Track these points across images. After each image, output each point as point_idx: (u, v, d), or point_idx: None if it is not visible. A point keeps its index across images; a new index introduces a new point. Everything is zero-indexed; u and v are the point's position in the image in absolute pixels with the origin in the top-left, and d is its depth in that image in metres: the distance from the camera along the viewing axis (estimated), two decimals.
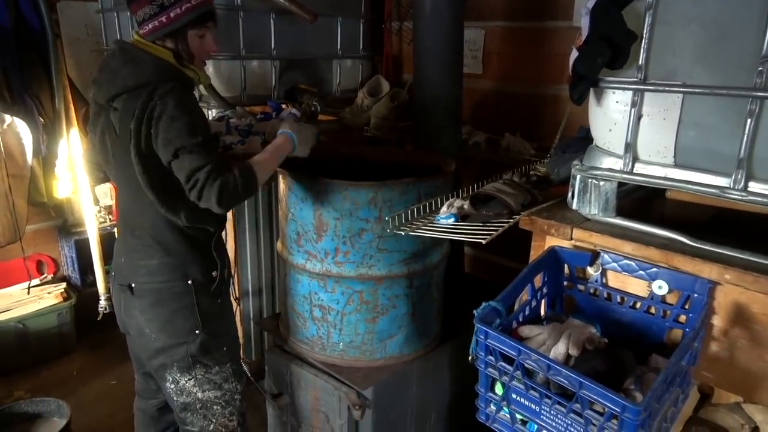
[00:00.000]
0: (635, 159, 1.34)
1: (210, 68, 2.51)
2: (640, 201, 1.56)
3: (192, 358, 1.70)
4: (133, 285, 1.68)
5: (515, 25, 2.73)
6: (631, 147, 1.33)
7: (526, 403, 1.18)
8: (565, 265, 1.44)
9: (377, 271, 1.81)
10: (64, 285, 3.25)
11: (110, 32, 2.95)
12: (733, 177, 1.19)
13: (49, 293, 3.14)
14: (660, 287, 1.28)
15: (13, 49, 2.66)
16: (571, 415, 1.10)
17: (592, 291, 1.42)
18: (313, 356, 1.95)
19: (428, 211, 1.68)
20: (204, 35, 1.64)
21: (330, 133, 2.70)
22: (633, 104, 1.30)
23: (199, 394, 1.74)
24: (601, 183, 1.39)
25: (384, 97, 2.89)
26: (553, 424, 1.14)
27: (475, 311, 1.22)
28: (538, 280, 1.40)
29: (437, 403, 2.14)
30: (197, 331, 1.68)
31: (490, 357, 1.19)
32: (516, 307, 1.36)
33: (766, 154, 1.15)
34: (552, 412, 1.13)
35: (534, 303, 1.40)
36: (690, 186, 1.26)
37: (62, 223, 3.33)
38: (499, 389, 1.23)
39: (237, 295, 2.65)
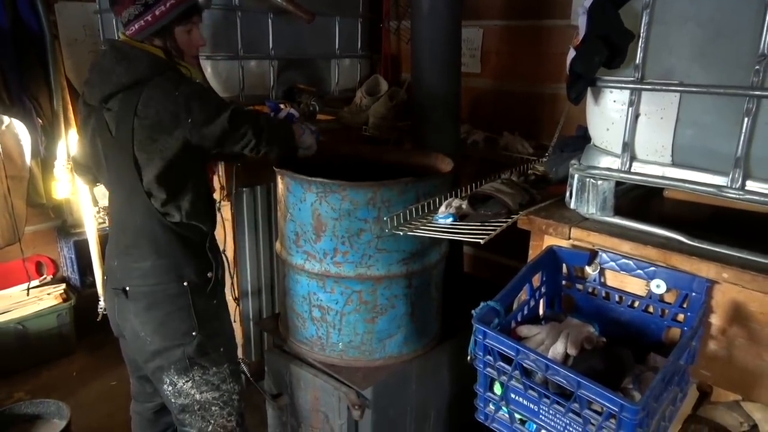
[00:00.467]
0: (633, 158, 1.34)
1: (208, 68, 2.51)
2: (638, 200, 1.56)
3: (189, 359, 1.70)
4: (127, 288, 1.67)
5: (513, 24, 2.73)
6: (628, 146, 1.33)
7: (525, 402, 1.18)
8: (564, 265, 1.44)
9: (376, 271, 1.81)
10: (63, 286, 3.25)
11: (108, 33, 2.94)
12: (730, 176, 1.19)
13: (48, 294, 3.14)
14: (658, 286, 1.29)
15: (11, 51, 2.66)
16: (570, 414, 1.10)
17: (590, 290, 1.42)
18: (313, 356, 1.95)
19: (426, 211, 1.69)
20: (191, 30, 1.65)
21: (328, 133, 2.70)
22: (630, 103, 1.30)
23: (197, 396, 1.74)
24: (599, 182, 1.39)
25: (382, 96, 2.89)
26: (552, 423, 1.14)
27: (473, 311, 1.23)
28: (536, 279, 1.40)
29: (437, 403, 2.14)
30: (194, 333, 1.68)
31: (489, 357, 1.19)
32: (514, 306, 1.36)
33: (763, 153, 1.15)
34: (551, 411, 1.14)
35: (532, 302, 1.40)
36: (687, 185, 1.26)
37: (61, 224, 3.33)
38: (497, 389, 1.23)
39: (236, 296, 2.65)
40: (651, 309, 1.34)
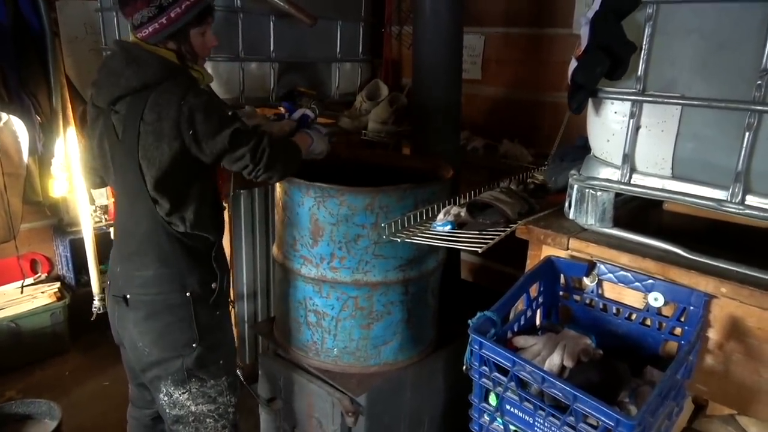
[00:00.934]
0: (633, 170, 1.33)
1: (209, 69, 2.49)
2: (637, 210, 1.55)
3: (187, 371, 1.66)
4: (128, 296, 1.63)
5: (515, 32, 2.73)
6: (629, 158, 1.32)
7: (520, 414, 1.17)
8: (561, 275, 1.43)
9: (372, 277, 1.80)
10: (58, 284, 3.24)
11: (109, 31, 2.93)
12: (730, 190, 1.19)
13: (42, 293, 3.12)
14: (656, 299, 1.28)
15: (10, 47, 2.64)
16: (565, 427, 1.09)
17: (587, 302, 1.41)
18: (307, 361, 1.94)
19: (425, 217, 1.68)
20: (205, 32, 1.61)
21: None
22: (631, 115, 1.30)
23: (193, 408, 1.70)
24: (599, 193, 1.39)
25: (383, 101, 2.89)
26: None
27: (470, 320, 1.22)
28: (533, 289, 1.39)
29: (431, 410, 2.13)
30: (194, 345, 1.64)
31: (485, 367, 1.18)
32: (511, 316, 1.36)
33: (764, 168, 1.15)
34: (546, 424, 1.13)
35: (529, 313, 1.39)
36: (687, 198, 1.26)
37: (57, 222, 3.31)
38: (493, 400, 1.22)
39: (232, 298, 2.63)
40: (648, 322, 1.33)
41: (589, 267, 1.37)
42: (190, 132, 1.49)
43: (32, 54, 2.75)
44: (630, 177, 1.34)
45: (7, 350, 2.92)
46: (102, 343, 3.09)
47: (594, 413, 1.00)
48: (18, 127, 2.81)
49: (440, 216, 1.62)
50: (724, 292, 1.18)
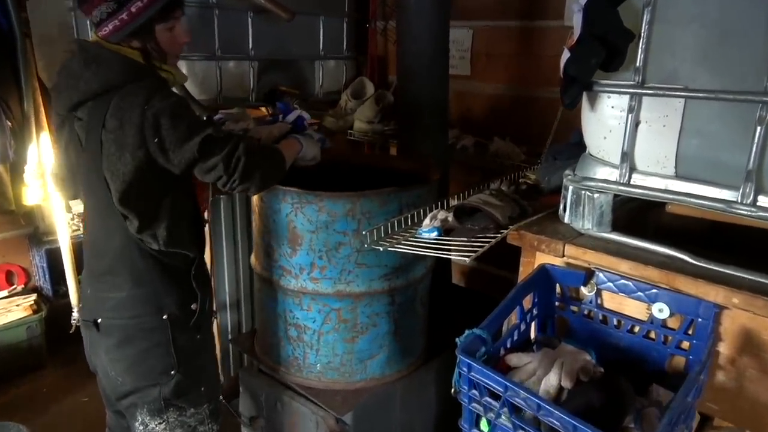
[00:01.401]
0: (632, 169, 1.22)
1: (183, 69, 2.37)
2: (636, 212, 1.45)
3: (164, 401, 1.52)
4: (99, 321, 1.50)
5: (505, 25, 2.61)
6: (628, 156, 1.22)
7: None
8: (557, 285, 1.32)
9: (356, 287, 1.68)
10: (34, 296, 3.10)
11: (82, 31, 2.80)
12: (740, 190, 1.08)
13: (17, 305, 2.99)
14: (660, 310, 1.17)
15: None
16: None
17: (586, 312, 1.30)
18: (289, 378, 1.83)
19: (410, 223, 1.57)
20: (173, 27, 1.45)
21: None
22: (630, 109, 1.19)
23: None
24: (596, 195, 1.28)
25: (368, 99, 2.78)
26: None
27: (457, 339, 1.11)
28: (527, 301, 1.28)
29: (423, 424, 2.02)
30: (172, 372, 1.51)
31: (474, 391, 1.07)
32: (504, 330, 1.25)
33: None
34: None
35: (523, 326, 1.28)
36: (693, 200, 1.15)
37: (33, 231, 3.18)
38: (484, 426, 1.11)
39: (213, 308, 2.52)
40: (653, 335, 1.22)
41: (587, 275, 1.27)
42: (156, 140, 1.35)
43: (1, 57, 2.62)
44: (629, 177, 1.23)
45: None
46: (81, 356, 2.97)
47: None
48: None
49: (426, 221, 1.51)
50: (736, 302, 1.07)
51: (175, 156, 1.37)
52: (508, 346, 1.24)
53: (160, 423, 1.55)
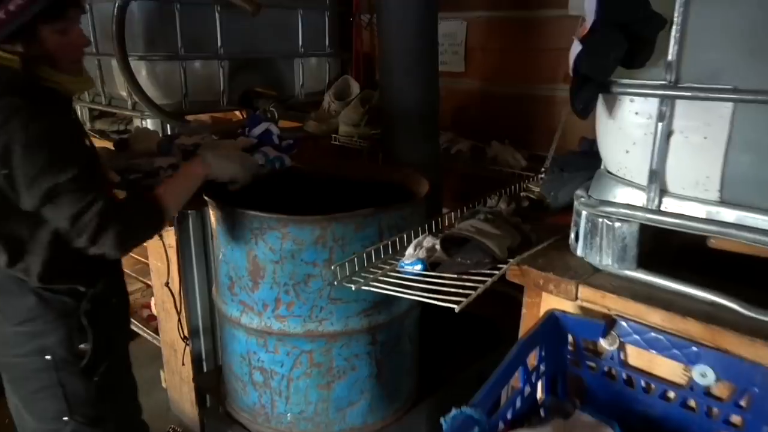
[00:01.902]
0: (663, 192, 0.96)
1: (143, 71, 2.13)
2: (669, 241, 1.18)
3: None
4: None
5: (501, 16, 2.35)
6: (657, 176, 0.96)
7: None
8: (569, 335, 1.06)
9: (330, 326, 1.43)
10: None
11: None
12: None
13: None
14: (703, 375, 0.91)
15: None
16: None
17: (606, 370, 1.05)
18: (257, 428, 1.58)
19: (391, 251, 1.31)
20: (67, 30, 1.19)
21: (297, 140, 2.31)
22: (660, 117, 0.93)
23: None
24: (617, 224, 1.02)
25: (353, 100, 2.53)
26: None
27: (442, 419, 0.85)
28: (532, 358, 1.02)
29: None
30: (65, 418, 1.31)
31: None
32: (503, 399, 0.99)
33: None
34: None
35: (527, 390, 1.02)
36: (744, 234, 0.89)
37: None
38: None
39: (185, 334, 2.28)
40: (692, 404, 0.96)
41: (607, 325, 1.01)
42: (4, 171, 1.10)
43: None
44: (659, 202, 0.97)
45: None
46: None
47: None
48: None
49: (409, 251, 1.25)
50: None
51: (24, 195, 1.12)
52: (509, 417, 0.99)
53: None
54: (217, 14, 2.21)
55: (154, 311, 2.68)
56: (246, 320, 1.46)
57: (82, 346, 1.31)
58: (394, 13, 1.79)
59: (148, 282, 2.58)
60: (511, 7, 2.31)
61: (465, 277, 1.12)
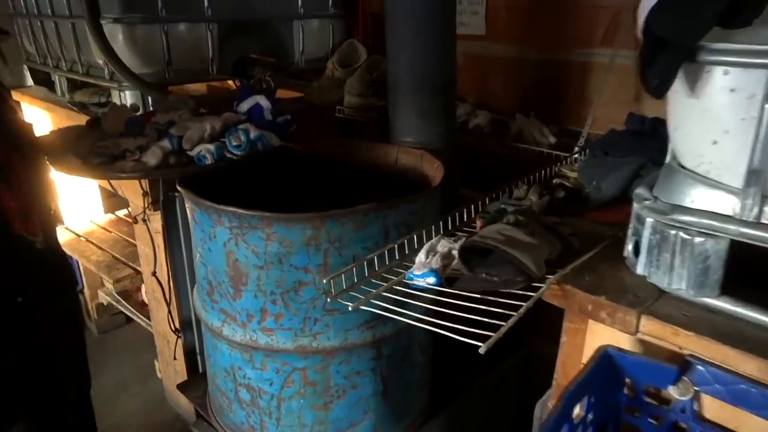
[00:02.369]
0: (765, 199, 0.71)
1: (119, 35, 1.87)
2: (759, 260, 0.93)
3: None
4: None
5: None
6: (758, 177, 0.70)
7: None
8: (627, 379, 0.83)
9: (326, 341, 1.21)
10: None
11: None
12: None
13: None
14: None
15: None
16: None
17: (672, 423, 0.81)
18: None
19: (399, 255, 1.07)
20: None
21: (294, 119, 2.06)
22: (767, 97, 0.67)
23: None
24: (697, 239, 0.77)
25: (360, 67, 2.25)
26: None
27: None
28: (579, 409, 0.79)
29: None
30: None
31: None
32: None
33: None
34: None
35: None
36: None
37: None
38: None
39: (176, 326, 2.09)
40: None
41: (680, 370, 0.77)
42: None
43: None
44: (759, 212, 0.72)
45: None
46: None
47: None
48: None
49: (420, 257, 1.02)
50: None
51: None
52: None
53: None
54: None
55: (145, 299, 2.49)
56: (228, 332, 1.25)
57: None
58: None
59: (137, 267, 2.39)
60: None
61: (491, 298, 0.88)
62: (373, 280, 1.01)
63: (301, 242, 1.11)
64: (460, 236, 1.11)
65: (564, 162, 1.50)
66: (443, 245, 1.04)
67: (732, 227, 0.73)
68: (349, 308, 0.93)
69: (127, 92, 1.95)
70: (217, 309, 1.26)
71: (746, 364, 0.71)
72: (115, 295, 2.74)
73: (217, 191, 1.20)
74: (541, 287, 0.87)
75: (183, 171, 1.27)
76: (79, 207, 2.87)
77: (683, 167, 0.82)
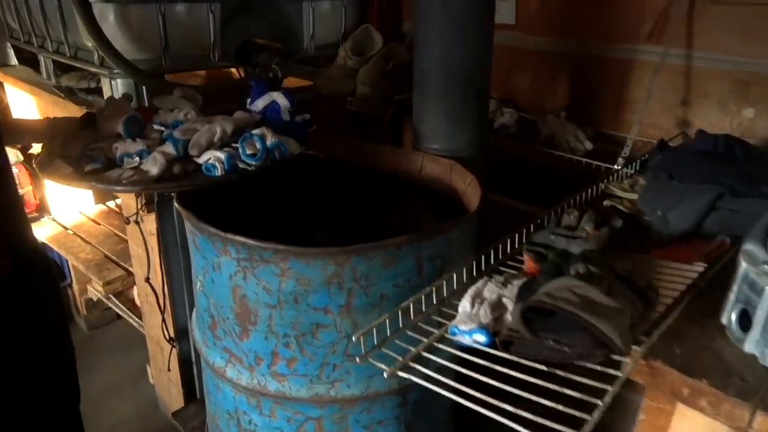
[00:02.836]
0: None
1: (110, 16, 1.68)
2: None
3: None
4: None
5: None
6: None
7: None
8: None
9: (346, 389, 1.05)
10: None
11: None
12: None
13: None
14: None
15: None
16: None
17: None
18: None
19: (436, 300, 0.91)
20: None
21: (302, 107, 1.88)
22: None
23: None
24: None
25: (375, 56, 2.07)
26: None
27: None
28: None
29: None
30: None
31: None
32: None
33: None
34: None
35: None
36: None
37: None
38: None
39: (171, 335, 1.94)
40: None
41: None
42: None
43: None
44: None
45: None
46: None
47: None
48: None
49: (464, 306, 0.85)
50: None
51: None
52: None
53: None
54: None
55: (137, 300, 2.34)
56: (233, 374, 1.09)
57: None
58: None
59: (129, 268, 2.23)
60: None
61: (561, 373, 0.72)
62: (409, 332, 0.85)
63: (321, 280, 0.95)
64: (507, 274, 0.95)
65: (612, 177, 1.33)
66: (491, 290, 0.88)
67: None
68: (385, 375, 0.77)
69: (119, 80, 1.76)
70: (220, 347, 1.10)
71: None
72: (105, 293, 2.58)
73: (222, 199, 1.03)
74: (624, 362, 0.71)
75: (189, 185, 1.09)
76: (68, 196, 2.69)
77: None
